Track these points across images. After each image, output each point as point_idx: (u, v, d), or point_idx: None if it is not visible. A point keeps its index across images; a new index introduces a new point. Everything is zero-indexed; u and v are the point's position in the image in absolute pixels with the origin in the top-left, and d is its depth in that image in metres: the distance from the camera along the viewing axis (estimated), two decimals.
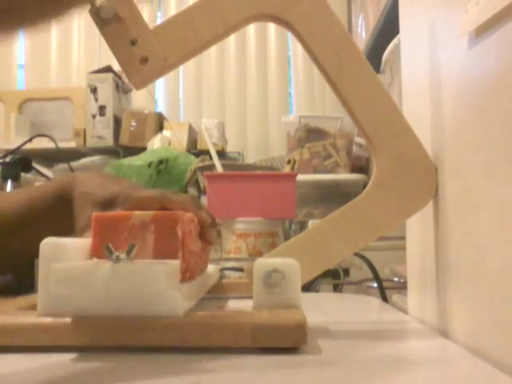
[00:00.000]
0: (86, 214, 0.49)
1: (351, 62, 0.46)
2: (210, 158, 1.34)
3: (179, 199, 0.50)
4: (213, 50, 2.72)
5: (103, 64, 2.37)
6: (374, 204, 0.46)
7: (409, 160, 0.46)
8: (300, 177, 1.48)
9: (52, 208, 0.56)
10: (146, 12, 2.76)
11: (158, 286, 0.36)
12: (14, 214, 0.58)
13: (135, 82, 0.44)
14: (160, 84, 2.79)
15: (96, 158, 2.08)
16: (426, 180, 0.46)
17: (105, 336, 0.36)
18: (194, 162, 1.70)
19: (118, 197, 0.51)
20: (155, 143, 2.06)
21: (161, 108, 2.72)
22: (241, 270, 0.85)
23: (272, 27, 2.78)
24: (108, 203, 0.51)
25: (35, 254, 0.40)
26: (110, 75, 2.19)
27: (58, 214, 0.56)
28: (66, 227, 0.52)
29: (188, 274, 0.45)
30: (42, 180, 1.12)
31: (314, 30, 0.46)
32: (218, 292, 0.63)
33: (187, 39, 0.45)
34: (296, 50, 2.75)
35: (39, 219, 0.57)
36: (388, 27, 1.02)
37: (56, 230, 0.49)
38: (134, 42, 0.43)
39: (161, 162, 1.77)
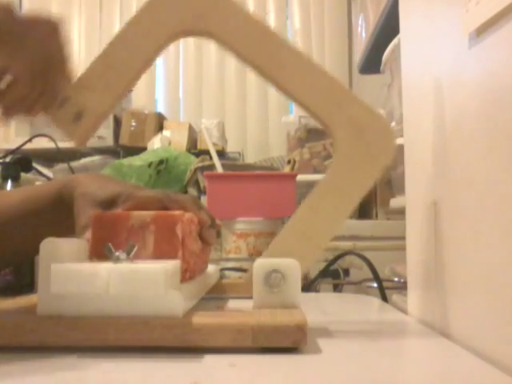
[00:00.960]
0: (86, 214, 0.49)
1: (283, 53, 0.46)
2: (210, 158, 1.34)
3: (180, 199, 0.50)
4: (213, 50, 2.73)
5: None
6: (342, 176, 0.45)
7: (361, 125, 0.45)
8: (300, 177, 1.48)
9: (52, 208, 0.56)
10: None
11: (158, 285, 0.36)
12: (14, 212, 0.57)
13: (76, 140, 0.44)
14: (160, 84, 2.79)
15: (96, 158, 2.07)
16: (383, 138, 0.46)
17: (105, 336, 0.36)
18: (194, 162, 1.70)
19: (118, 197, 0.51)
20: (155, 143, 2.06)
21: (161, 108, 2.72)
22: (241, 270, 0.85)
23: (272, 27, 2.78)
24: (109, 203, 0.51)
25: (35, 253, 0.39)
26: None
27: (57, 214, 0.55)
28: (66, 227, 0.52)
29: (188, 273, 0.45)
30: (42, 180, 1.12)
31: (237, 33, 0.46)
32: (218, 292, 0.63)
33: (112, 82, 0.45)
34: None
35: (39, 218, 0.57)
36: (388, 27, 1.01)
37: (56, 229, 0.49)
38: (64, 101, 0.43)
39: (161, 162, 1.77)
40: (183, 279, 0.43)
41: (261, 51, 0.46)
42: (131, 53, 0.45)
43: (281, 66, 0.46)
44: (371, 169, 0.46)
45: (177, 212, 0.44)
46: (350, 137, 0.45)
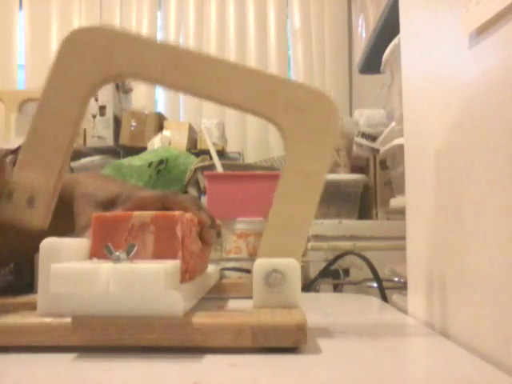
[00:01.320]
0: (86, 214, 0.49)
1: (203, 65, 0.45)
2: (210, 157, 1.35)
3: (179, 200, 0.50)
4: (213, 50, 2.72)
5: None
6: (298, 160, 0.45)
7: (301, 105, 0.45)
8: None
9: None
10: (146, 12, 2.76)
11: (158, 286, 0.36)
12: None
13: (38, 223, 0.44)
14: None
15: (96, 158, 2.07)
16: (326, 113, 0.45)
17: (105, 336, 0.36)
18: (194, 162, 1.70)
19: (118, 197, 0.51)
20: (155, 143, 2.06)
21: (161, 108, 2.72)
22: (241, 270, 0.85)
23: (272, 27, 2.77)
24: (109, 203, 0.51)
25: (34, 251, 0.39)
26: None
27: (57, 214, 0.56)
28: (66, 225, 0.52)
29: (188, 274, 0.45)
30: None
31: (152, 65, 0.45)
32: (218, 292, 0.63)
33: (50, 156, 0.44)
34: (296, 49, 2.75)
35: None
36: (388, 27, 1.01)
37: (56, 229, 0.49)
38: (11, 192, 0.43)
39: (161, 162, 1.77)
40: (183, 279, 0.43)
41: (182, 73, 0.45)
42: (57, 121, 0.44)
43: (206, 79, 0.45)
44: (323, 145, 0.45)
45: (177, 212, 0.44)
46: (293, 120, 0.45)
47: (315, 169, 0.45)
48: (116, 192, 0.52)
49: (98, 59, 0.44)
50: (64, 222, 0.54)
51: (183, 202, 0.50)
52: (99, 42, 0.45)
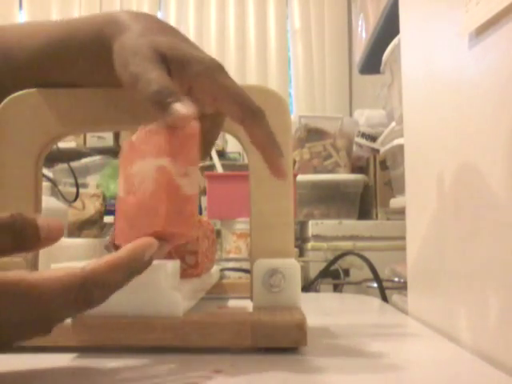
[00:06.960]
0: (129, 71, 0.43)
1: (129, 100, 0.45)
2: (210, 158, 1.35)
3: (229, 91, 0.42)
4: (213, 50, 2.72)
5: None
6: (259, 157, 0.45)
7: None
8: (300, 177, 1.48)
9: (87, 51, 0.47)
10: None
11: (158, 286, 0.36)
12: (53, 46, 0.48)
13: None
14: None
15: (96, 158, 2.07)
16: (274, 104, 0.45)
17: (105, 336, 0.36)
18: None
19: (169, 52, 0.44)
20: None
21: None
22: (241, 270, 0.85)
23: (272, 28, 2.78)
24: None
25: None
26: None
27: (94, 61, 0.47)
28: (104, 77, 0.46)
29: (200, 270, 0.46)
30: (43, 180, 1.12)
31: (85, 112, 0.46)
32: (218, 292, 0.63)
33: None
34: (296, 49, 2.75)
35: (78, 54, 0.47)
36: (388, 27, 1.01)
37: (93, 78, 0.46)
38: None
39: None
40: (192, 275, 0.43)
41: (122, 111, 0.45)
42: (16, 192, 0.45)
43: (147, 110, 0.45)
44: (280, 139, 0.43)
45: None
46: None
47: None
48: (167, 45, 0.45)
49: (37, 123, 0.45)
50: (102, 70, 0.46)
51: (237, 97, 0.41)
52: (36, 106, 0.45)
